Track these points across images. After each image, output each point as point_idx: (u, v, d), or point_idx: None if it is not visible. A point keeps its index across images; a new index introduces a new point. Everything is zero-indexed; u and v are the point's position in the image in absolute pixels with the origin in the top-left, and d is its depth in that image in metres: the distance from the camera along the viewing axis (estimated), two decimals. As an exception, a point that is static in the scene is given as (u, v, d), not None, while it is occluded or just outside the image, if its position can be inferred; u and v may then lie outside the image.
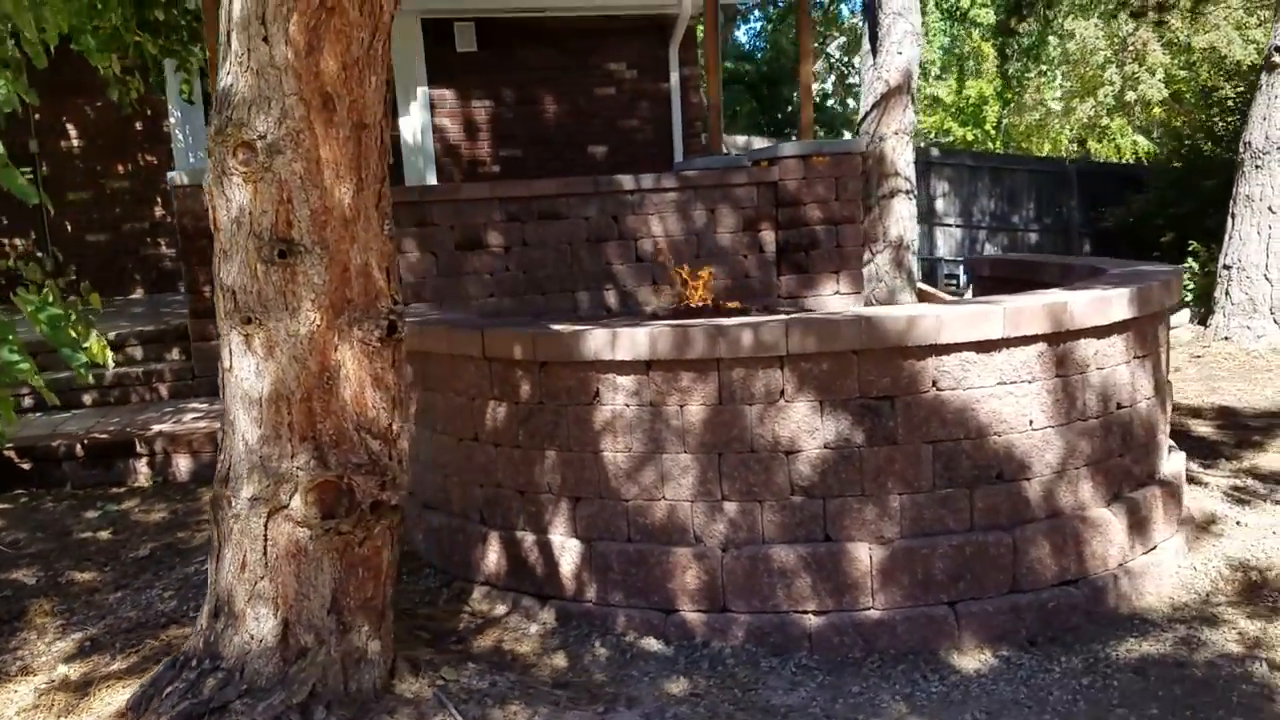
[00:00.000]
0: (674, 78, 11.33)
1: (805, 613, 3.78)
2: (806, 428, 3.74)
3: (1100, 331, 3.93)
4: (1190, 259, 11.68)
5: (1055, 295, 3.87)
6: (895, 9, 10.42)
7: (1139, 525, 4.10)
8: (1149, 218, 14.67)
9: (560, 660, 3.74)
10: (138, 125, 10.43)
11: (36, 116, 10.35)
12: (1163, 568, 4.17)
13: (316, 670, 3.06)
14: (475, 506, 4.39)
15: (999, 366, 3.77)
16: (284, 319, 2.91)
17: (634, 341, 3.79)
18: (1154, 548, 4.19)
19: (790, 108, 22.49)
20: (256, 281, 2.91)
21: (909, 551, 3.75)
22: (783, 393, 3.73)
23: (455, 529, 4.45)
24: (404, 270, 7.30)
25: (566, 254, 7.60)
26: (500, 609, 4.19)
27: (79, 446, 6.35)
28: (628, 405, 3.89)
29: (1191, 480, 5.28)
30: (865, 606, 3.77)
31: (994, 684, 3.50)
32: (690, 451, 3.84)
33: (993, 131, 24.35)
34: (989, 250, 17.13)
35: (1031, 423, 3.84)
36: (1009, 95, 22.60)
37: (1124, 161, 21.14)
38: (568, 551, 4.03)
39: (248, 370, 2.97)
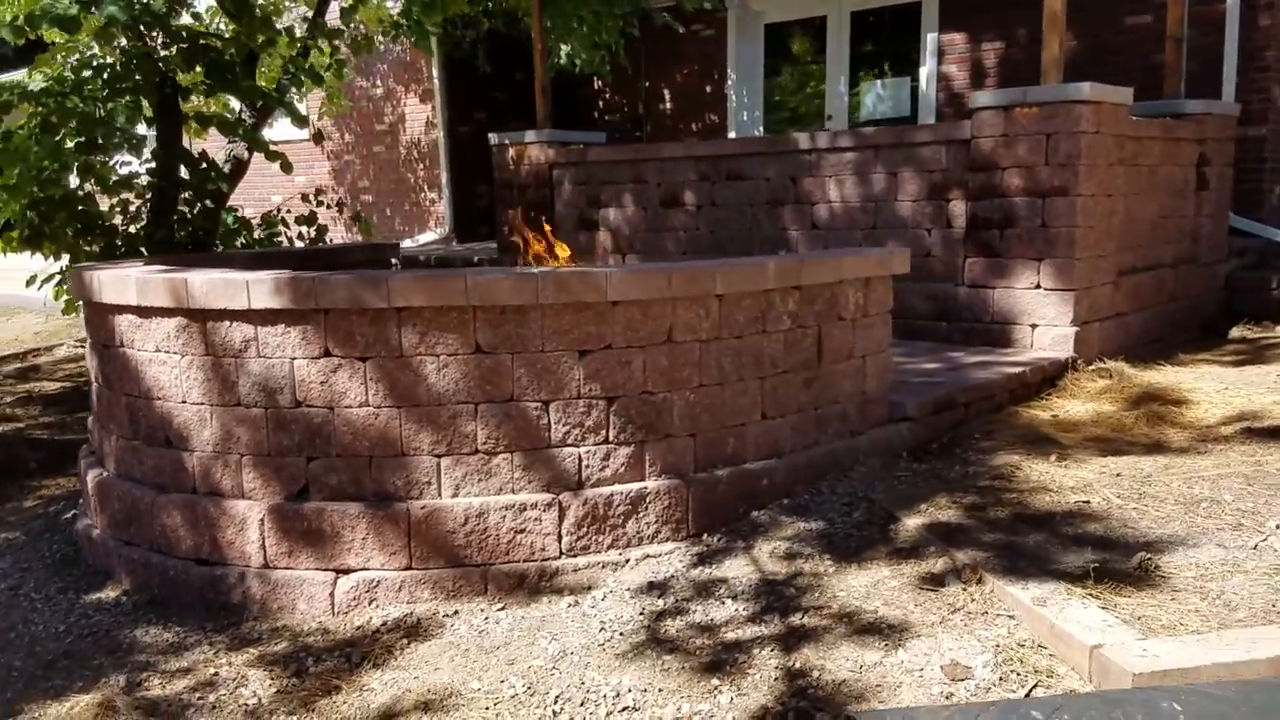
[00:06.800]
0: (1233, -4, 8.51)
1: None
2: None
3: (253, 317, 3.67)
4: None
5: (185, 272, 3.74)
6: None
7: (306, 537, 3.71)
8: None
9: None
10: (707, 89, 12.30)
11: (646, 84, 12.92)
12: (350, 594, 3.68)
13: None
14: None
15: (154, 334, 3.90)
16: None
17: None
18: (348, 571, 3.70)
19: None
20: None
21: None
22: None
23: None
24: (622, 223, 8.22)
25: (747, 215, 7.39)
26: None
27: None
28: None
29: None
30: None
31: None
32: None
33: None
34: None
35: (187, 397, 3.86)
36: None
37: None
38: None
39: None
